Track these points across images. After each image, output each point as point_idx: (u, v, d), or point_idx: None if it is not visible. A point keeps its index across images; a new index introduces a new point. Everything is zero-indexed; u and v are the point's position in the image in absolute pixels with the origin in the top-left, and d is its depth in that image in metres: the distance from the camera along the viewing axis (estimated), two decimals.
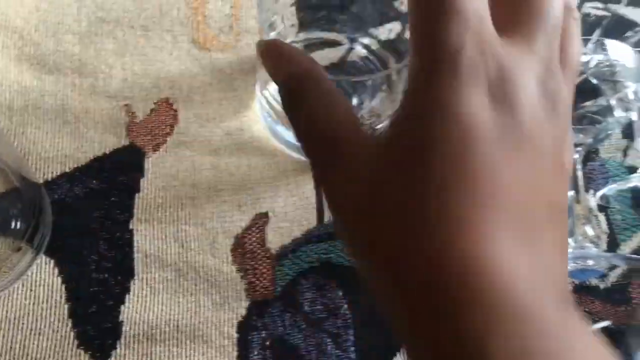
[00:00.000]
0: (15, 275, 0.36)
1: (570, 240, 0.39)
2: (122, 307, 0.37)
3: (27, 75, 0.43)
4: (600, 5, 0.49)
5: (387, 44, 0.41)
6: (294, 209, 0.41)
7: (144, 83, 0.44)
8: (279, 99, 0.25)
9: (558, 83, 0.21)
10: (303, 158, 0.39)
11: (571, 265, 0.38)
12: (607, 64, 0.41)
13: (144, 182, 0.41)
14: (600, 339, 0.19)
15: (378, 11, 0.41)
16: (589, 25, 0.47)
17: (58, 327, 0.36)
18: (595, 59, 0.42)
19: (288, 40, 0.41)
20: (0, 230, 0.35)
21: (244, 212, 0.41)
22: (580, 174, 0.40)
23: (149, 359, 0.36)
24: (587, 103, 0.40)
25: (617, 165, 0.44)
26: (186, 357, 0.36)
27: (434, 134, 0.19)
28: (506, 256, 0.18)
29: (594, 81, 0.40)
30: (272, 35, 0.39)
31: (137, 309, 0.37)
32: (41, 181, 0.40)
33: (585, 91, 0.40)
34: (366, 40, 0.42)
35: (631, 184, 0.41)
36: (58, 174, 0.40)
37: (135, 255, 0.39)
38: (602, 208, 0.43)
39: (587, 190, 0.43)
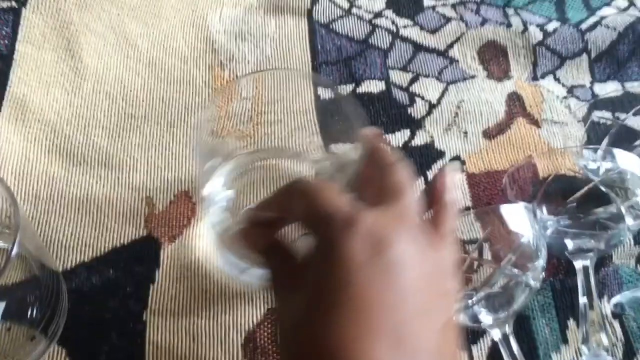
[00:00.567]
0: None
1: (584, 347, 0.38)
2: None
3: (55, 166, 0.45)
4: (607, 114, 0.50)
5: None
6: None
7: (166, 176, 0.46)
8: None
9: (425, 235, 0.29)
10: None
11: None
12: (616, 171, 0.42)
13: (159, 273, 0.42)
14: None
15: None
16: (598, 134, 0.49)
17: None
18: (604, 166, 0.43)
19: None
20: (17, 317, 0.36)
21: (256, 307, 0.41)
22: (592, 280, 0.40)
23: None
24: (599, 210, 0.41)
25: (630, 272, 0.44)
26: None
27: (329, 276, 0.27)
28: None
29: (604, 189, 0.41)
30: None
31: None
32: (60, 269, 0.41)
33: (596, 198, 0.41)
34: None
35: None
36: (77, 262, 0.41)
37: (147, 347, 0.39)
38: (617, 315, 0.43)
39: (601, 297, 0.43)
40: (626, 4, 0.59)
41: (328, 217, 0.28)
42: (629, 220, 0.40)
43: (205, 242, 0.43)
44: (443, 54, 0.55)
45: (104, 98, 0.49)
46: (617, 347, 0.42)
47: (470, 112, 0.52)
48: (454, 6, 0.58)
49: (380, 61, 0.54)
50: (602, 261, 0.44)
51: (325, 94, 0.51)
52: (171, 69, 0.51)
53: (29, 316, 0.35)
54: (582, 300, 0.40)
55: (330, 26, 0.56)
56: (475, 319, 0.38)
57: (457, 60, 0.55)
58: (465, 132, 0.51)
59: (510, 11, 0.58)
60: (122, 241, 0.42)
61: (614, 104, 0.51)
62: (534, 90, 0.53)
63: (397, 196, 0.30)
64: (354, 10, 0.57)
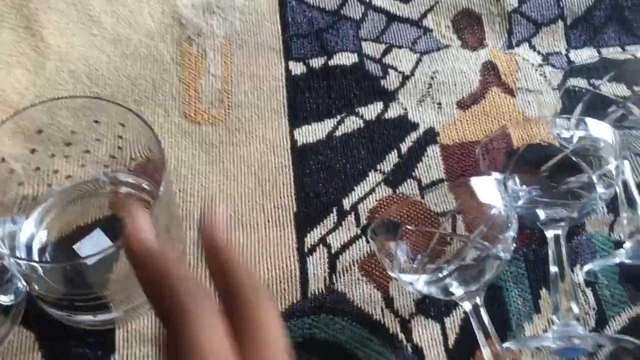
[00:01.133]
0: None
1: (554, 317, 0.38)
2: None
3: (19, 147, 0.44)
4: (583, 82, 0.50)
5: None
6: (278, 282, 0.41)
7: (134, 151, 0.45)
8: None
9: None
10: None
11: (557, 344, 0.38)
12: (589, 141, 0.42)
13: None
14: None
15: None
16: (573, 102, 0.48)
17: None
18: (577, 135, 0.43)
19: None
20: None
21: None
22: (564, 249, 0.40)
23: None
24: (571, 179, 0.40)
25: (604, 240, 0.44)
26: None
27: None
28: None
29: (575, 159, 0.40)
30: None
31: None
32: None
33: (569, 168, 0.41)
34: None
35: (617, 259, 0.41)
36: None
37: (117, 330, 0.38)
38: (590, 284, 0.43)
39: (574, 265, 0.43)
40: None
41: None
42: (600, 189, 0.40)
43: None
44: (417, 23, 0.54)
45: (68, 77, 0.48)
46: (590, 315, 0.42)
47: (444, 82, 0.51)
48: None
49: (353, 32, 0.53)
50: (575, 230, 0.44)
51: (297, 69, 0.50)
52: (137, 46, 0.50)
53: None
54: (553, 269, 0.39)
55: None
56: (446, 291, 0.38)
57: (431, 30, 0.54)
58: (439, 103, 0.50)
59: None
60: (88, 222, 0.42)
61: (589, 71, 0.51)
62: (508, 58, 0.52)
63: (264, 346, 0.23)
64: None
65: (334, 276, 0.42)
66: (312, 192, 0.45)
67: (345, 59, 0.51)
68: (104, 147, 0.41)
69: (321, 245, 0.43)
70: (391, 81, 0.51)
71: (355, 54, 0.52)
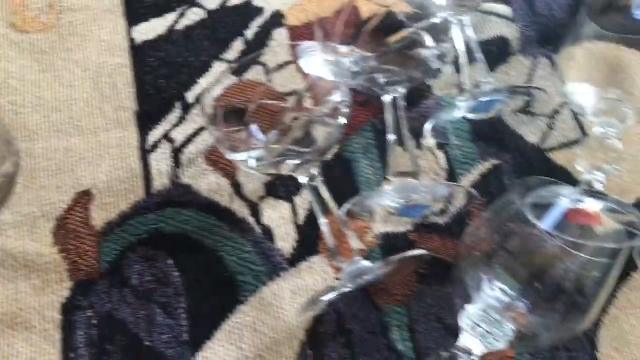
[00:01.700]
0: None
1: (389, 177, 0.38)
2: None
3: None
4: None
5: None
6: (119, 183, 0.40)
7: None
8: None
9: None
10: None
11: (398, 203, 0.38)
12: None
13: None
14: None
15: None
16: None
17: None
18: None
19: None
20: None
21: (63, 193, 0.39)
22: (403, 112, 0.39)
23: None
24: (392, 39, 0.39)
25: (452, 100, 0.43)
26: (7, 345, 0.35)
27: None
28: None
29: (399, 17, 0.39)
30: None
31: None
32: None
33: (390, 26, 0.39)
34: None
35: (457, 114, 0.40)
36: None
37: None
38: (441, 145, 0.43)
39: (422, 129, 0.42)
40: None
41: None
42: (430, 42, 0.38)
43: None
44: None
45: None
46: (441, 175, 0.42)
47: None
48: None
49: None
50: (423, 94, 0.43)
51: None
52: None
53: None
54: (390, 137, 0.39)
55: None
56: (278, 167, 0.37)
57: None
58: None
59: None
60: None
61: None
62: None
63: None
64: None
65: (178, 170, 0.41)
66: (153, 90, 0.43)
67: None
68: None
69: (164, 140, 0.42)
70: None
71: None
